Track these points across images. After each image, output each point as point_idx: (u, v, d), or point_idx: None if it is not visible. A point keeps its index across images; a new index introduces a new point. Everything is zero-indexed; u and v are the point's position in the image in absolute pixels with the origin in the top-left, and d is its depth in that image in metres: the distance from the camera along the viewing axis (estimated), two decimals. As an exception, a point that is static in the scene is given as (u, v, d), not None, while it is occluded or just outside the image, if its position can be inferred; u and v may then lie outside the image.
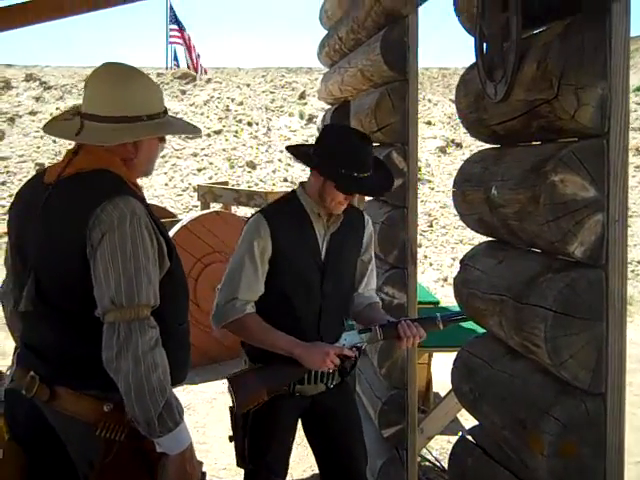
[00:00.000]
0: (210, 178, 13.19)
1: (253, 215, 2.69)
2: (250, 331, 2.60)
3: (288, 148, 2.84)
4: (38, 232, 2.06)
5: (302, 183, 2.74)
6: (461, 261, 2.17)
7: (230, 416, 2.66)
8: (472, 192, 2.02)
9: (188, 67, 19.40)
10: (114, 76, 2.16)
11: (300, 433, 2.84)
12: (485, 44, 1.89)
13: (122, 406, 2.01)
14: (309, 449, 2.96)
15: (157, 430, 1.93)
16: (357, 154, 2.61)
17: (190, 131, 2.32)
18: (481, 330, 2.14)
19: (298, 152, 2.81)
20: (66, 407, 2.03)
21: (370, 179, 2.62)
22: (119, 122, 2.09)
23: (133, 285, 1.94)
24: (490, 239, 2.09)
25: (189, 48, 20.56)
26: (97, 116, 2.10)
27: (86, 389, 2.03)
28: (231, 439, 2.69)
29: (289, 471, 2.83)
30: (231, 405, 2.65)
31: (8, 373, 2.26)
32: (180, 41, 20.92)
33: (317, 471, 3.02)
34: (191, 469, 2.04)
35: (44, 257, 2.05)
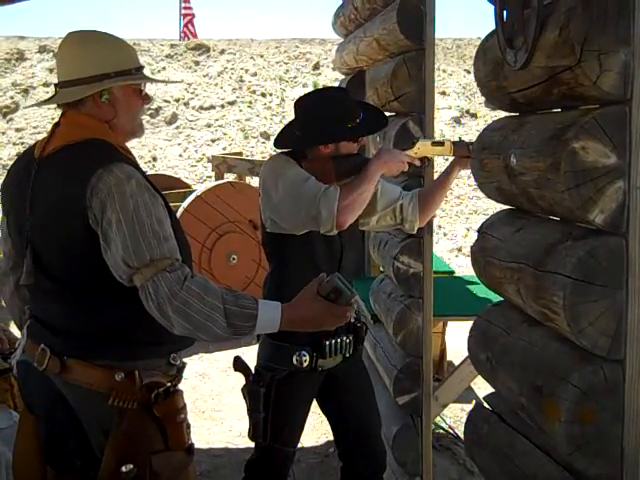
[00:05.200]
0: (224, 149, 13.17)
1: (272, 158, 2.69)
2: (352, 195, 2.54)
3: (277, 145, 2.83)
4: (33, 207, 2.08)
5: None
6: (479, 229, 2.17)
7: (246, 392, 2.65)
8: (491, 160, 2.01)
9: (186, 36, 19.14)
10: (77, 41, 2.18)
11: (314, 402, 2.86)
12: (505, 11, 1.88)
13: (133, 374, 2.04)
14: (322, 417, 2.99)
15: (244, 333, 1.96)
16: (347, 104, 2.70)
17: (158, 81, 2.32)
18: (495, 298, 2.14)
19: (288, 143, 2.79)
20: (77, 378, 2.05)
21: (367, 118, 2.71)
22: (88, 82, 2.10)
23: (141, 245, 1.93)
24: (508, 207, 2.09)
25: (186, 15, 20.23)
26: (67, 81, 2.13)
27: (97, 359, 2.05)
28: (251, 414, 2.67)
29: (303, 439, 2.85)
30: (244, 386, 2.65)
31: (18, 345, 2.28)
32: (192, 12, 20.67)
33: (331, 438, 3.06)
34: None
35: (42, 232, 2.07)
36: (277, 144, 2.82)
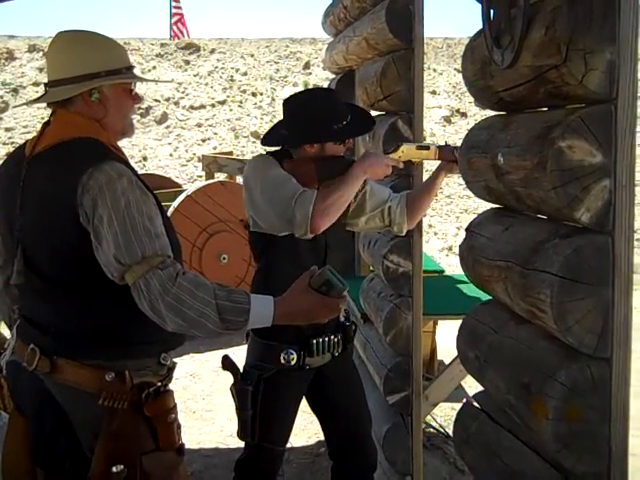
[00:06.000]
0: (214, 148, 13.15)
1: (255, 158, 2.69)
2: (330, 198, 2.51)
3: (264, 142, 2.83)
4: (23, 206, 2.07)
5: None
6: (467, 228, 2.18)
7: (235, 391, 2.66)
8: (478, 159, 2.02)
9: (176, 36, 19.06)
10: (66, 40, 2.18)
11: (304, 401, 2.86)
12: (492, 10, 1.88)
13: (123, 374, 2.04)
14: (313, 417, 2.98)
15: (237, 328, 1.95)
16: (335, 105, 2.70)
17: (148, 80, 2.30)
18: (485, 297, 2.15)
19: (275, 141, 2.80)
20: (67, 378, 2.04)
21: (355, 120, 2.71)
22: (78, 82, 2.10)
23: (133, 242, 1.93)
24: (496, 206, 2.10)
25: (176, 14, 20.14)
26: (57, 80, 2.13)
27: (87, 359, 2.04)
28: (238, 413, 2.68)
29: (294, 439, 2.85)
30: (232, 384, 2.66)
31: (8, 346, 2.27)
32: (181, 11, 20.60)
33: (321, 437, 3.06)
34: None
35: (33, 231, 2.06)
36: (264, 142, 2.82)
